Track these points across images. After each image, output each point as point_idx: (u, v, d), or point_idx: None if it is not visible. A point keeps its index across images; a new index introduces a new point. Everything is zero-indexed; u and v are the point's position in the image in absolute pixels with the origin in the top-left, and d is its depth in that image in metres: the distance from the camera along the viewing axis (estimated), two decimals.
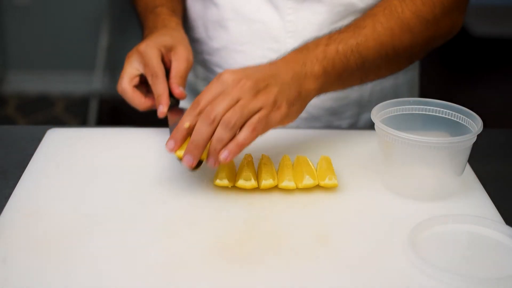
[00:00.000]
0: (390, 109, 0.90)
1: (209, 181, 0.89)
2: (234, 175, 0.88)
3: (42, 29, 3.05)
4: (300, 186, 0.86)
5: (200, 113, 0.83)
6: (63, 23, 3.05)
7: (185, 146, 0.83)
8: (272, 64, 0.88)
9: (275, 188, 0.87)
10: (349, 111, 1.13)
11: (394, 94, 1.16)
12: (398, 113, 0.91)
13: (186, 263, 0.74)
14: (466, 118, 0.88)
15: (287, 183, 0.86)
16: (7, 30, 3.05)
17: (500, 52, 3.32)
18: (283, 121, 0.85)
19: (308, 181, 0.86)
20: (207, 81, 1.16)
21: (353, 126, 1.14)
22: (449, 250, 0.78)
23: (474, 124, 0.87)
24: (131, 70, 1.01)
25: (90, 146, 0.98)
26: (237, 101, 0.82)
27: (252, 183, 0.86)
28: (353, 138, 1.02)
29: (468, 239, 0.79)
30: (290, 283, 0.72)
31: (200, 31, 1.14)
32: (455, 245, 0.79)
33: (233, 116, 0.81)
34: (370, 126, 1.14)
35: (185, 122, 0.83)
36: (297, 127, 1.11)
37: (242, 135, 0.82)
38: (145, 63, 0.99)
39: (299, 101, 0.87)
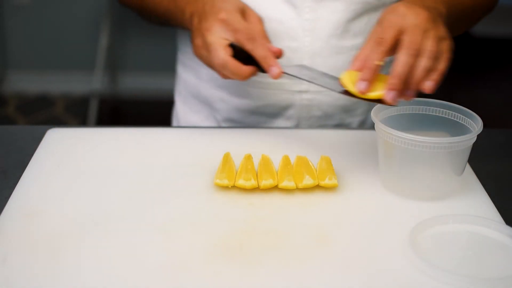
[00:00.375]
0: (391, 109, 0.90)
1: (209, 181, 0.89)
2: (234, 175, 0.88)
3: (42, 29, 3.05)
4: (300, 186, 0.86)
5: (387, 49, 0.83)
6: (63, 23, 3.05)
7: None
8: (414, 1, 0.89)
9: (275, 188, 0.87)
10: (360, 108, 1.14)
11: None
12: (398, 113, 0.91)
13: (186, 263, 0.74)
14: (466, 118, 0.88)
15: (287, 183, 0.86)
16: (7, 30, 3.05)
17: (500, 52, 3.32)
18: (452, 49, 0.87)
19: (308, 181, 0.86)
20: (213, 82, 1.15)
21: (364, 123, 1.15)
22: (449, 250, 0.78)
23: (474, 124, 0.87)
24: (221, 40, 0.95)
25: (90, 146, 0.98)
26: (426, 32, 0.83)
27: (252, 183, 0.86)
28: (353, 138, 1.02)
29: (468, 239, 0.79)
30: (290, 283, 0.72)
31: None
32: (455, 245, 0.79)
33: (436, 46, 0.83)
34: (373, 124, 1.14)
35: (374, 60, 0.83)
36: (311, 125, 1.11)
37: (442, 65, 0.84)
38: (233, 29, 0.95)
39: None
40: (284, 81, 1.09)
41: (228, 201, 0.85)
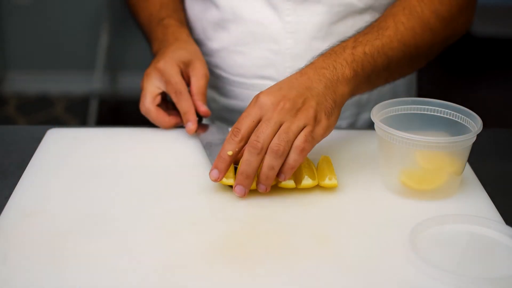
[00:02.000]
0: (390, 108, 0.90)
1: (209, 181, 0.89)
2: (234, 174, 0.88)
3: (42, 29, 3.05)
4: (299, 186, 0.86)
5: (241, 140, 0.83)
6: (63, 23, 3.05)
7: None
8: (302, 74, 0.88)
9: (275, 188, 0.87)
10: (348, 111, 1.13)
11: (393, 94, 1.16)
12: (398, 112, 0.91)
13: (186, 262, 0.74)
14: (465, 117, 0.88)
15: (286, 181, 0.86)
16: (7, 30, 3.05)
17: (500, 52, 3.32)
18: (326, 134, 0.86)
19: (307, 181, 0.86)
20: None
21: (352, 126, 1.15)
22: (449, 250, 0.78)
23: (474, 123, 0.87)
24: (152, 88, 1.00)
25: (90, 146, 0.98)
26: (280, 125, 0.83)
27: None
28: (353, 138, 1.02)
29: (468, 239, 0.79)
30: (290, 283, 0.72)
31: (198, 32, 1.14)
32: (455, 245, 0.79)
33: (280, 143, 0.82)
34: (369, 126, 1.14)
35: (228, 150, 0.83)
36: None
37: (292, 159, 0.83)
38: (166, 81, 0.99)
39: (336, 109, 0.88)
40: (268, 82, 1.09)
41: (228, 201, 0.85)
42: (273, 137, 0.82)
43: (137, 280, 0.71)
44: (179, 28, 1.08)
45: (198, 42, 1.14)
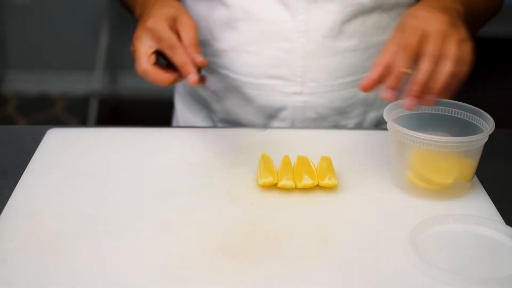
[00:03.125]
0: (402, 108, 0.90)
1: (209, 181, 0.89)
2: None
3: (42, 29, 3.05)
4: (299, 186, 0.86)
5: (414, 54, 0.82)
6: (63, 23, 3.05)
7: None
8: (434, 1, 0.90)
9: (275, 188, 0.87)
10: (356, 110, 1.13)
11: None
12: (409, 112, 0.90)
13: (186, 262, 0.74)
14: (477, 117, 0.88)
15: (285, 182, 0.86)
16: (7, 30, 3.05)
17: (501, 52, 3.32)
18: (472, 51, 0.88)
19: (307, 181, 0.86)
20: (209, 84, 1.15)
21: (359, 125, 1.14)
22: (449, 250, 0.78)
23: (485, 123, 0.87)
24: (145, 48, 0.98)
25: (90, 146, 0.98)
26: (447, 36, 0.83)
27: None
28: (354, 138, 1.02)
29: (468, 239, 0.79)
30: (290, 283, 0.72)
31: (203, 33, 1.13)
32: (455, 245, 0.79)
33: (459, 51, 0.83)
34: (375, 125, 1.14)
35: (401, 67, 0.82)
36: (306, 127, 1.11)
37: (465, 69, 0.84)
38: (157, 38, 0.97)
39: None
40: (278, 82, 1.09)
41: (228, 201, 0.85)
42: (449, 46, 0.83)
43: (137, 280, 0.71)
44: None
45: (203, 43, 1.13)
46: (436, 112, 0.91)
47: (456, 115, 0.90)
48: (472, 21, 1.01)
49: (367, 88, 0.84)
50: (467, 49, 0.85)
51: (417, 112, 0.91)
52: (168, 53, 0.97)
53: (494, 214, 0.84)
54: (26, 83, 3.12)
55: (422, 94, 0.83)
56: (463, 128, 0.89)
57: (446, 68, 0.82)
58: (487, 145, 0.86)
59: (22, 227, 0.79)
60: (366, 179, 0.90)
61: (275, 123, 1.12)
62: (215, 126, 1.15)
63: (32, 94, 3.11)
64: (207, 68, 1.14)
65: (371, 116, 1.15)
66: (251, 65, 1.10)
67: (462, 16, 0.91)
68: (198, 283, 0.71)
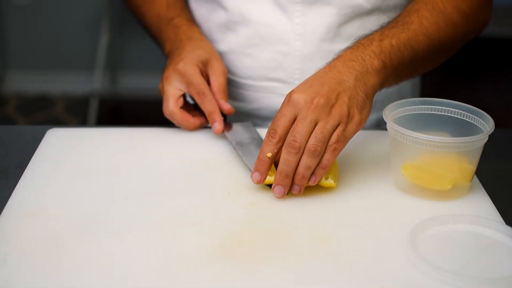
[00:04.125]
0: (402, 108, 0.90)
1: (209, 181, 0.89)
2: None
3: (42, 29, 3.05)
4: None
5: (279, 141, 0.84)
6: (63, 23, 3.05)
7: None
8: (331, 67, 0.88)
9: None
10: None
11: (399, 93, 1.16)
12: (409, 113, 0.91)
13: (186, 262, 0.74)
14: (477, 118, 0.88)
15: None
16: (7, 30, 3.05)
17: (500, 52, 3.32)
18: (358, 129, 0.86)
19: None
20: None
21: None
22: (449, 250, 0.78)
23: (485, 124, 0.87)
24: (174, 91, 1.00)
25: (90, 146, 0.98)
26: (315, 123, 0.83)
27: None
28: (354, 138, 1.01)
29: (468, 239, 0.79)
30: (290, 283, 0.72)
31: (205, 34, 1.13)
32: (455, 245, 0.79)
33: (317, 143, 0.82)
34: (376, 125, 1.15)
35: (267, 152, 0.84)
36: None
37: (326, 159, 0.84)
38: (187, 82, 0.99)
39: (367, 101, 0.88)
40: (276, 85, 1.10)
41: (228, 201, 0.85)
42: (309, 136, 0.83)
43: (137, 280, 0.71)
44: (190, 27, 1.08)
45: None
46: (436, 112, 0.91)
47: (455, 115, 0.90)
48: (438, 52, 1.00)
49: (256, 179, 0.85)
50: (344, 129, 0.84)
51: (417, 112, 0.91)
52: (197, 99, 0.99)
53: (494, 214, 0.84)
54: (26, 83, 3.12)
55: (285, 182, 0.84)
56: (463, 129, 0.89)
57: (303, 161, 0.83)
58: (487, 145, 0.86)
59: (22, 227, 0.79)
60: (366, 179, 0.90)
61: None
62: None
63: (32, 94, 3.11)
64: None
65: (372, 117, 1.15)
66: (249, 67, 1.10)
67: (374, 70, 0.89)
68: (198, 283, 0.71)
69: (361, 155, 0.96)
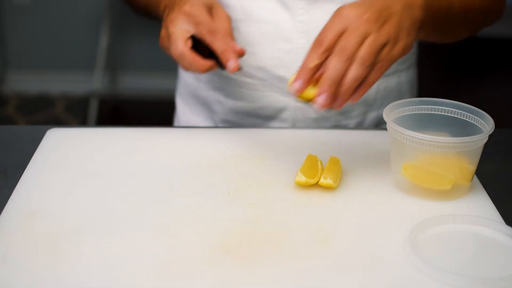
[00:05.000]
0: (402, 109, 0.90)
1: (209, 181, 0.89)
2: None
3: (42, 29, 3.05)
4: (295, 182, 0.87)
5: (326, 50, 0.81)
6: (63, 23, 3.05)
7: None
8: None
9: (275, 187, 0.87)
10: (356, 110, 1.13)
11: (398, 92, 1.16)
12: (409, 113, 0.91)
13: (186, 263, 0.74)
14: (477, 118, 0.88)
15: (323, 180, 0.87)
16: (7, 30, 3.05)
17: (500, 52, 3.32)
18: (403, 53, 0.84)
19: (300, 177, 0.87)
20: (210, 84, 1.15)
21: (360, 125, 1.15)
22: (449, 250, 0.78)
23: (485, 124, 0.87)
24: (183, 32, 0.95)
25: (90, 146, 0.98)
26: (366, 36, 0.81)
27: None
28: (354, 137, 1.02)
29: (468, 239, 0.79)
30: (290, 283, 0.72)
31: None
32: (455, 245, 0.79)
33: (370, 53, 0.80)
34: (376, 125, 1.15)
35: (312, 60, 0.81)
36: (307, 127, 1.11)
37: (373, 76, 0.81)
38: (195, 22, 0.95)
39: (413, 30, 0.85)
40: (279, 83, 1.09)
41: (228, 201, 0.85)
42: (361, 47, 0.80)
43: (137, 280, 0.71)
44: None
45: None
46: (436, 112, 0.91)
47: (455, 116, 0.90)
48: (463, 18, 1.00)
49: (296, 87, 0.82)
50: (385, 54, 0.82)
51: (417, 112, 0.91)
52: (208, 38, 0.94)
53: (494, 214, 0.84)
54: (26, 83, 3.12)
55: (331, 91, 0.80)
56: (463, 129, 0.89)
57: (352, 71, 0.80)
58: (487, 145, 0.86)
59: (22, 227, 0.79)
60: (366, 179, 0.90)
61: (276, 123, 1.12)
62: (215, 126, 1.15)
63: (32, 94, 3.11)
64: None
65: (372, 116, 1.15)
66: (252, 66, 1.10)
67: (418, 7, 0.86)
68: (198, 283, 0.71)
69: (361, 155, 0.96)
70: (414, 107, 0.91)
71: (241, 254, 0.75)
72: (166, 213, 0.82)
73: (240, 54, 0.95)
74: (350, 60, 0.80)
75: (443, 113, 0.91)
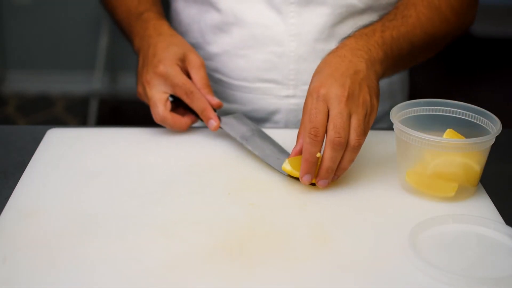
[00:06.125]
0: (409, 110, 0.90)
1: (209, 181, 0.89)
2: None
3: (42, 29, 3.05)
4: (293, 173, 0.88)
5: (323, 139, 0.84)
6: (63, 23, 3.05)
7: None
8: (342, 57, 0.89)
9: (275, 188, 0.87)
10: None
11: (389, 92, 1.17)
12: (414, 114, 0.90)
13: (186, 262, 0.74)
14: (484, 119, 0.88)
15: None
16: (7, 30, 3.05)
17: (501, 52, 3.32)
18: (376, 112, 0.89)
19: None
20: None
21: None
22: (449, 250, 0.78)
23: (490, 123, 0.86)
24: (160, 95, 0.99)
25: (90, 146, 0.98)
26: (350, 116, 0.84)
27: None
28: None
29: (468, 239, 0.79)
30: (290, 283, 0.72)
31: (195, 35, 1.13)
32: (455, 245, 0.79)
33: (359, 137, 0.84)
34: (374, 125, 1.14)
35: (315, 153, 0.84)
36: None
37: (352, 155, 0.86)
38: (172, 84, 0.98)
39: (377, 84, 0.90)
40: (271, 86, 1.09)
41: (228, 201, 0.85)
42: (349, 134, 0.84)
43: (137, 280, 0.71)
44: (159, 21, 1.06)
45: (196, 46, 1.12)
46: (442, 113, 0.90)
47: (461, 116, 0.90)
48: (432, 46, 1.04)
49: (309, 180, 0.86)
50: (369, 118, 0.87)
51: (423, 113, 0.90)
52: (186, 99, 0.98)
53: (495, 214, 0.84)
54: (26, 83, 3.12)
55: (330, 177, 0.86)
56: (469, 130, 0.88)
57: (347, 158, 0.85)
58: None
59: (22, 227, 0.79)
60: (366, 179, 0.90)
61: (269, 125, 1.13)
62: None
63: (32, 94, 3.11)
64: None
65: None
66: (243, 69, 1.10)
67: (377, 61, 0.91)
68: (198, 283, 0.71)
69: (359, 155, 0.96)
70: (419, 108, 0.90)
71: (241, 254, 0.75)
72: (166, 213, 0.82)
73: (217, 107, 1.00)
74: (344, 147, 0.84)
75: (448, 114, 0.90)
